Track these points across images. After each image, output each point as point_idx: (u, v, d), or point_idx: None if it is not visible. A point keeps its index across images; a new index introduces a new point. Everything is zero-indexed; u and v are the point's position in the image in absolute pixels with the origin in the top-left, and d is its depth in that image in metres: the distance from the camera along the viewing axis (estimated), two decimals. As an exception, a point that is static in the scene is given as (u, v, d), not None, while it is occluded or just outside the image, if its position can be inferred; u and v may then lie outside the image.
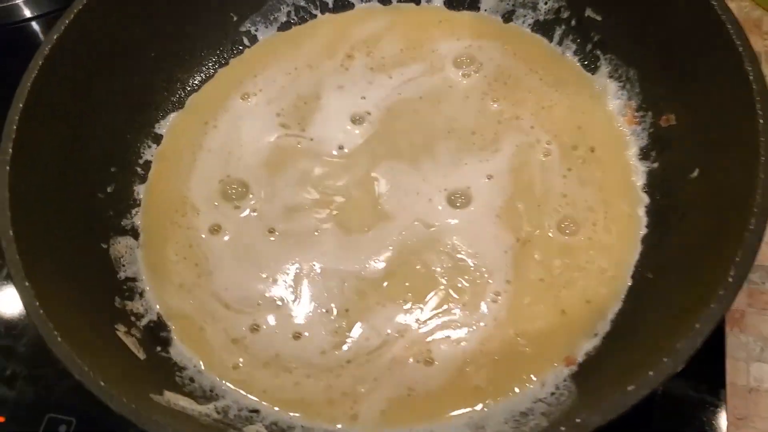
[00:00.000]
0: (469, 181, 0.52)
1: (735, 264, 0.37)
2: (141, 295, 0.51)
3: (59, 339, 0.39)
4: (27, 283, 0.41)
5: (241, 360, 0.47)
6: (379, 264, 0.49)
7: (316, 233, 0.51)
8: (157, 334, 0.49)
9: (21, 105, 0.48)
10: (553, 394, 0.44)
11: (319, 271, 0.49)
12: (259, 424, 0.45)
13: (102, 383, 0.38)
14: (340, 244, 0.50)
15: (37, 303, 0.40)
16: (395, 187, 0.53)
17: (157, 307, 0.50)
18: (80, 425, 0.50)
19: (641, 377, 0.35)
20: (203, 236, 0.51)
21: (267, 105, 0.57)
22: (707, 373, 0.47)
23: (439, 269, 0.49)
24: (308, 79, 0.59)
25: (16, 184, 0.45)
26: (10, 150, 0.46)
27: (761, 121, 0.42)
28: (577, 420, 0.35)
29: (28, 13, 0.72)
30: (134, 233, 0.54)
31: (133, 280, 0.51)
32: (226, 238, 0.51)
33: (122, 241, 0.53)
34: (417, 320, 0.47)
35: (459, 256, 0.49)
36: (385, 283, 0.49)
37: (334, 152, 0.55)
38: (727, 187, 0.44)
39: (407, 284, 0.48)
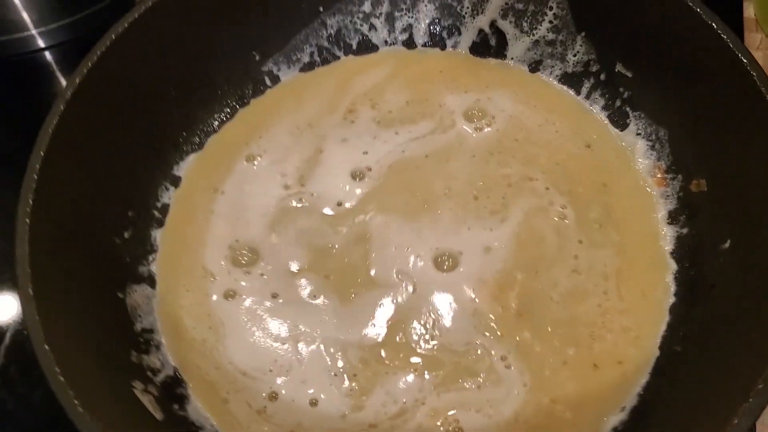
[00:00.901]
0: (463, 247, 0.51)
1: (776, 355, 0.37)
2: (157, 347, 0.50)
3: (80, 409, 0.38)
4: (47, 347, 0.40)
5: (266, 430, 0.45)
6: (375, 331, 0.49)
7: (314, 300, 0.50)
8: (173, 391, 0.48)
9: (42, 153, 0.46)
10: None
11: (320, 339, 0.49)
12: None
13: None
14: (336, 311, 0.49)
15: (58, 369, 0.39)
16: (386, 245, 0.52)
17: (177, 362, 0.49)
18: None
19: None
20: (217, 301, 0.51)
21: (271, 166, 0.57)
22: None
23: (436, 334, 0.48)
24: (310, 138, 0.58)
25: (35, 237, 0.44)
26: (31, 201, 0.45)
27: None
28: None
29: (41, 43, 0.71)
30: (151, 281, 0.52)
31: (150, 331, 0.50)
32: (238, 303, 0.51)
33: (138, 289, 0.51)
34: (432, 390, 0.46)
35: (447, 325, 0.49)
36: (383, 352, 0.48)
37: (332, 210, 0.54)
38: (761, 263, 0.43)
39: (408, 353, 0.48)
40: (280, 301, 0.50)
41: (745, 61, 0.47)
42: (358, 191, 0.54)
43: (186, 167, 0.57)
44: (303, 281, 0.51)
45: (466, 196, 0.54)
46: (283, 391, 0.47)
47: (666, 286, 0.50)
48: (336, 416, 0.46)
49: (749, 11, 0.67)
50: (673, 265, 0.50)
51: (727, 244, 0.47)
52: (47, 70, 0.72)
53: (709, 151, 0.51)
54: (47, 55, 0.72)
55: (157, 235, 0.54)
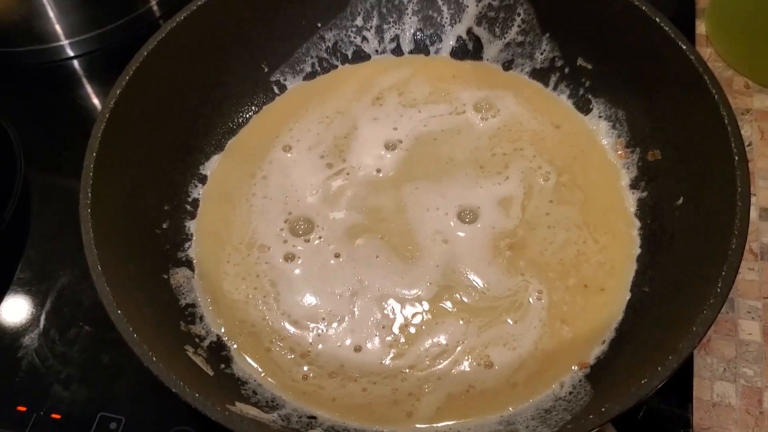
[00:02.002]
0: (480, 202, 0.61)
1: (722, 278, 0.46)
2: (201, 319, 0.57)
3: (154, 359, 0.45)
4: (120, 312, 0.47)
5: (310, 373, 0.53)
6: (424, 288, 0.57)
7: (375, 259, 0.58)
8: (218, 353, 0.55)
9: (94, 154, 0.54)
10: (571, 393, 0.52)
11: (376, 293, 0.57)
12: (318, 428, 0.51)
13: (197, 395, 0.44)
14: (395, 269, 0.58)
15: (131, 328, 0.46)
16: (419, 206, 0.61)
17: (219, 329, 0.56)
18: (129, 423, 0.56)
19: (653, 372, 0.43)
20: (275, 265, 0.58)
21: (309, 151, 0.65)
22: (677, 389, 0.55)
23: (478, 285, 0.57)
24: (342, 121, 0.67)
25: (95, 225, 0.51)
26: (90, 193, 0.52)
27: (736, 157, 0.50)
28: (602, 409, 0.42)
29: (70, 52, 0.79)
30: (189, 265, 0.60)
31: (193, 306, 0.57)
32: (299, 262, 0.58)
33: (179, 272, 0.59)
34: (473, 332, 0.54)
35: (479, 277, 0.57)
36: (430, 306, 0.56)
37: (372, 178, 0.63)
38: (710, 213, 0.52)
39: (457, 304, 0.56)
40: (341, 260, 0.58)
41: (684, 47, 0.56)
42: (392, 160, 0.64)
43: (211, 167, 0.65)
44: (361, 241, 0.59)
45: (474, 163, 0.63)
46: (330, 338, 0.55)
47: (633, 239, 0.59)
48: (377, 361, 0.54)
49: (701, 28, 0.77)
50: (637, 223, 0.59)
51: (680, 201, 0.56)
52: (74, 77, 0.80)
53: (660, 126, 0.60)
54: (75, 63, 0.80)
55: (191, 225, 0.62)
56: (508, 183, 0.62)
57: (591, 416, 0.42)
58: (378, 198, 0.62)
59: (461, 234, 0.60)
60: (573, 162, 0.63)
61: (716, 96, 0.53)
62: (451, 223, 0.60)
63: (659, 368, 0.43)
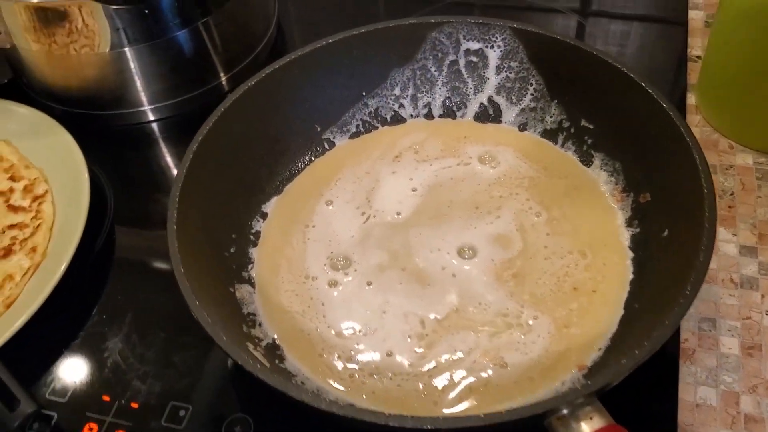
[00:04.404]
0: (476, 240, 0.72)
1: (690, 282, 0.55)
2: (260, 325, 0.68)
3: (228, 343, 0.56)
4: (197, 303, 0.58)
5: (355, 374, 0.64)
6: (441, 307, 0.68)
7: (399, 285, 0.69)
8: (274, 352, 0.66)
9: (180, 185, 0.67)
10: (570, 389, 0.61)
11: (402, 311, 0.68)
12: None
13: (279, 378, 0.54)
14: (416, 292, 0.69)
15: (205, 314, 0.57)
16: (425, 246, 0.73)
17: (274, 334, 0.67)
18: (195, 410, 0.66)
19: (632, 356, 0.52)
20: (322, 290, 0.70)
21: (346, 204, 0.78)
22: (664, 392, 0.63)
23: (483, 304, 0.67)
24: (369, 179, 0.80)
25: (179, 242, 0.63)
26: (175, 219, 0.64)
27: (705, 190, 0.61)
28: (588, 382, 0.52)
29: (151, 116, 0.94)
30: (251, 282, 0.71)
31: (253, 314, 0.68)
32: (341, 289, 0.70)
33: (243, 287, 0.70)
34: (485, 340, 0.65)
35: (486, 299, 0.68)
36: (447, 321, 0.66)
37: (393, 219, 0.75)
38: (687, 238, 0.62)
39: (469, 319, 0.66)
40: (372, 286, 0.70)
41: (670, 111, 0.68)
42: (409, 204, 0.76)
43: (270, 206, 0.78)
44: (387, 272, 0.71)
45: (470, 205, 0.75)
46: (367, 346, 0.65)
47: (627, 267, 0.68)
48: (405, 364, 0.64)
49: (691, 99, 0.88)
50: (630, 253, 0.69)
51: (666, 233, 0.66)
52: (151, 138, 0.94)
53: (650, 174, 0.71)
54: (154, 125, 0.95)
55: (253, 251, 0.74)
56: (500, 221, 0.73)
57: (578, 388, 0.52)
58: (397, 239, 0.74)
59: (466, 267, 0.70)
60: (563, 198, 0.74)
61: (690, 143, 0.64)
62: (454, 261, 0.71)
63: (636, 351, 0.52)
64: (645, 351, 0.53)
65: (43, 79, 0.92)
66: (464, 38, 0.81)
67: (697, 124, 0.85)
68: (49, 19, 0.81)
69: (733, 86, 0.81)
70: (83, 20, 0.80)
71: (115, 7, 0.80)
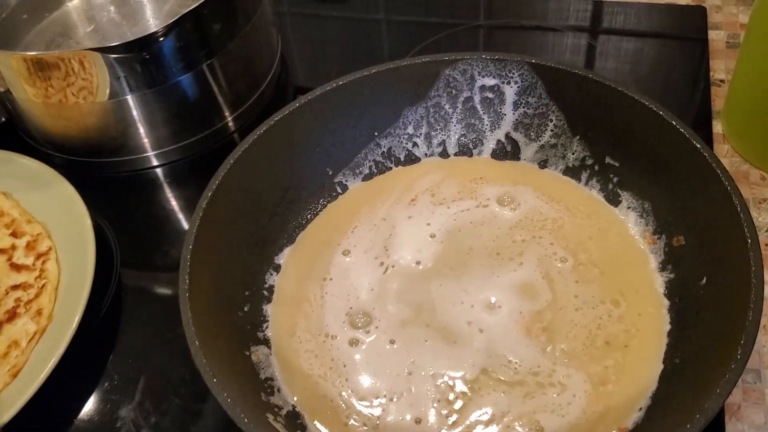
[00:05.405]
0: (500, 290, 0.69)
1: (740, 345, 0.52)
2: (279, 391, 0.64)
3: (246, 421, 0.53)
4: (215, 380, 0.55)
5: None
6: (469, 367, 0.64)
7: (425, 342, 0.66)
8: (295, 421, 0.62)
9: (190, 246, 0.63)
10: (612, 454, 0.57)
11: (428, 372, 0.64)
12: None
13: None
14: (442, 351, 0.65)
15: (225, 394, 0.54)
16: (448, 300, 0.69)
17: (293, 399, 0.64)
18: None
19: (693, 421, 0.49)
20: (343, 350, 0.66)
21: (364, 254, 0.74)
22: None
23: (516, 363, 0.63)
24: (385, 226, 0.76)
25: (192, 307, 0.60)
26: (187, 281, 0.61)
27: (749, 241, 0.57)
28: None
29: (154, 162, 0.91)
30: (267, 343, 0.68)
31: (271, 379, 0.65)
32: (363, 348, 0.66)
33: (259, 349, 0.67)
34: (517, 402, 0.61)
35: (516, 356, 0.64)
36: (476, 382, 0.63)
37: (413, 269, 0.71)
38: (730, 291, 0.59)
39: (499, 379, 0.63)
40: (396, 345, 0.66)
41: (698, 146, 0.64)
42: (429, 252, 0.73)
43: (283, 257, 0.74)
44: (411, 329, 0.67)
45: (491, 252, 0.72)
46: (393, 411, 0.62)
47: (663, 316, 0.65)
48: (437, 431, 0.60)
49: (717, 128, 0.85)
50: (666, 302, 0.66)
51: (704, 281, 0.63)
52: (156, 183, 0.91)
53: (682, 215, 0.67)
54: (159, 171, 0.91)
55: (267, 308, 0.71)
56: (523, 269, 0.70)
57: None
58: (418, 291, 0.70)
59: (492, 321, 0.67)
60: (588, 241, 0.71)
61: (729, 188, 0.61)
62: (480, 315, 0.67)
63: (688, 426, 0.49)
64: (695, 426, 0.49)
65: (42, 127, 0.89)
66: (479, 74, 0.78)
67: (725, 154, 0.81)
68: (47, 68, 0.77)
69: (764, 114, 0.77)
70: (84, 69, 0.77)
71: (115, 56, 0.76)
